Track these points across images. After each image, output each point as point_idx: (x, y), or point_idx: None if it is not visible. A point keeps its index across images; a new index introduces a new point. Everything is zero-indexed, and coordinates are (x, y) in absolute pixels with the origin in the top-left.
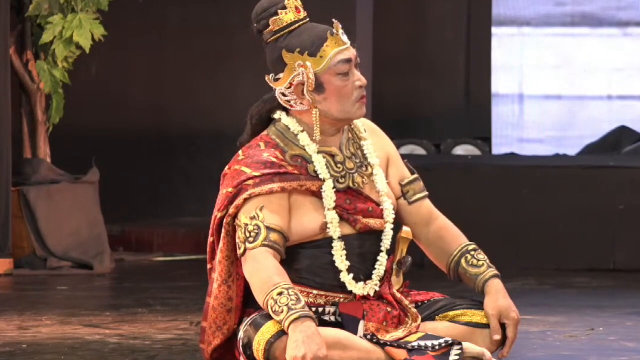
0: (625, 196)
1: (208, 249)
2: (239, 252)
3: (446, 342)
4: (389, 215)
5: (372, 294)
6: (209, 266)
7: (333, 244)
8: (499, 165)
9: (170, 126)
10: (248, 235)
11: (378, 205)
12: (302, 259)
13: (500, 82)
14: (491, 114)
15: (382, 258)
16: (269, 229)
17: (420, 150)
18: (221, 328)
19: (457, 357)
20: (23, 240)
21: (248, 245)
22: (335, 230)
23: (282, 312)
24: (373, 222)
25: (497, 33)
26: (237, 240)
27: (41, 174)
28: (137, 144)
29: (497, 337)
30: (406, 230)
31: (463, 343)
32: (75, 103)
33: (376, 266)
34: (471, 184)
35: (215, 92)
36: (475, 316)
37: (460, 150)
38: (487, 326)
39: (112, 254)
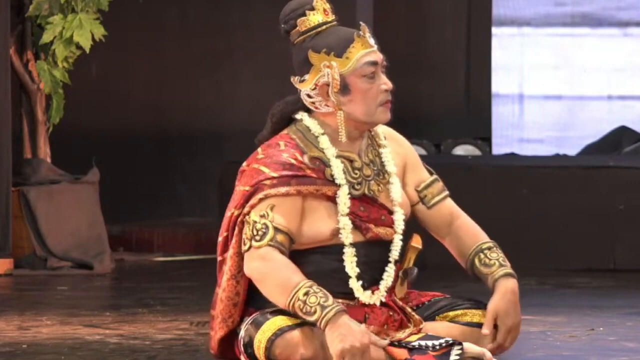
0: (625, 196)
1: (220, 243)
2: (244, 247)
3: (446, 342)
4: (399, 226)
5: (378, 303)
6: (219, 258)
7: (344, 250)
8: (499, 165)
9: (170, 126)
10: (255, 233)
11: (390, 214)
12: (308, 264)
13: (500, 82)
14: (491, 114)
15: (390, 269)
16: (276, 229)
17: (420, 150)
18: (226, 320)
19: (458, 357)
20: (23, 240)
21: (254, 243)
22: (347, 236)
23: (315, 311)
24: (383, 232)
25: (497, 33)
26: (244, 236)
27: (41, 174)
28: (137, 144)
29: (486, 331)
30: (417, 239)
31: (463, 343)
32: (75, 103)
33: (384, 276)
34: (471, 184)
35: (215, 92)
36: (476, 316)
37: (460, 150)
38: None
39: (112, 254)
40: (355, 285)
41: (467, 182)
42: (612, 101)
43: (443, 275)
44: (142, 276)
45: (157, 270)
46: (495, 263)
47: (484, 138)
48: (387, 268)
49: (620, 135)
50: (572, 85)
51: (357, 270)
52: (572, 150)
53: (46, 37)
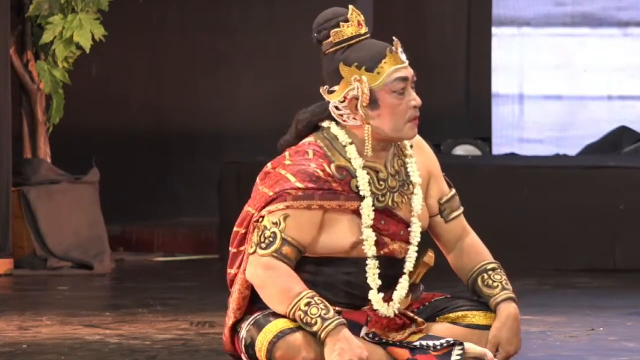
0: (625, 196)
1: (236, 235)
2: (249, 249)
3: (447, 342)
4: (415, 238)
5: (392, 314)
6: (233, 250)
7: (367, 262)
8: (499, 165)
9: (170, 126)
10: (262, 240)
11: (408, 227)
12: (316, 273)
13: (500, 82)
14: (491, 114)
15: (404, 280)
16: (284, 240)
17: None
18: (235, 311)
19: (459, 357)
20: (23, 240)
21: (259, 250)
22: (370, 248)
23: (316, 323)
24: (398, 249)
25: (497, 33)
26: (251, 239)
27: (41, 174)
28: (137, 144)
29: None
30: (429, 256)
31: (464, 343)
32: (75, 103)
33: (397, 287)
34: (471, 184)
35: (215, 92)
36: (476, 317)
37: (460, 150)
38: (488, 327)
39: (112, 254)
40: (375, 297)
41: (467, 182)
42: (612, 101)
43: (442, 276)
44: (142, 276)
45: (157, 270)
46: (499, 286)
47: (484, 138)
48: (401, 280)
49: (620, 135)
50: (572, 85)
51: (379, 282)
52: (572, 150)
53: (46, 37)
